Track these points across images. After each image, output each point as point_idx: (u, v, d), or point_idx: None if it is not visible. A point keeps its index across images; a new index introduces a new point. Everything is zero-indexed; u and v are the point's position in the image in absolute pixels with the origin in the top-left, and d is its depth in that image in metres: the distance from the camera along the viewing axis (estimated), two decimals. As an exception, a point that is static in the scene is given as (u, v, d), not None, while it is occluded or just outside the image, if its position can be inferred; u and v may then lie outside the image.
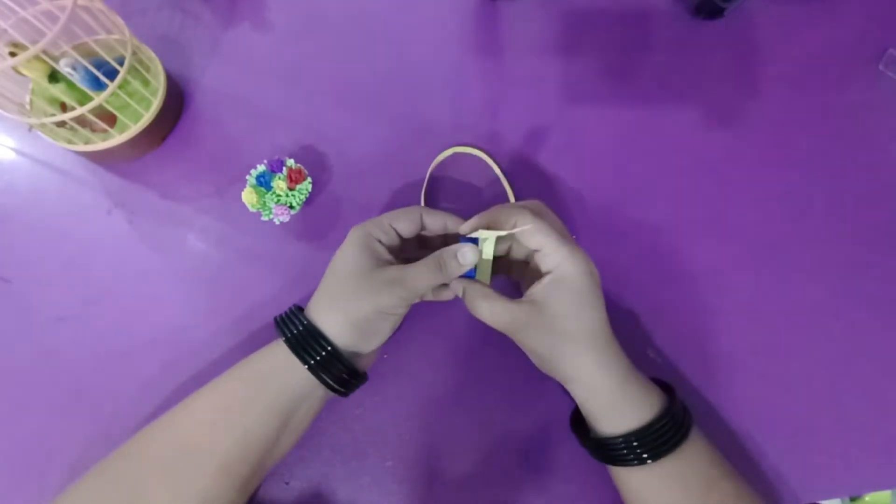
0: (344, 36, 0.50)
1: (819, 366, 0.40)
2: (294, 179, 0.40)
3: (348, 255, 0.33)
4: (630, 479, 0.34)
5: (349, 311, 0.32)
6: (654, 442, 0.31)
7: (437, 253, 0.33)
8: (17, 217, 0.44)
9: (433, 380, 0.40)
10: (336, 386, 0.33)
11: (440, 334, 0.41)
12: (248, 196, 0.40)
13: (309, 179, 0.41)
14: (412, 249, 0.37)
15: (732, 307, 0.42)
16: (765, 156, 0.46)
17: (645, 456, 0.31)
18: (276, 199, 0.40)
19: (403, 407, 0.39)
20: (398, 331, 0.40)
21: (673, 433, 0.32)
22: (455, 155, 0.45)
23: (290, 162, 0.41)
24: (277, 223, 0.41)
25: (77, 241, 0.43)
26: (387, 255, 0.34)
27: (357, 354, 0.34)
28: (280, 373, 0.32)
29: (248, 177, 0.40)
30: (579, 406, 0.35)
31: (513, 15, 0.51)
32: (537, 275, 0.34)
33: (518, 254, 0.36)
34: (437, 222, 0.35)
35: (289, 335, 0.32)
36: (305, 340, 0.32)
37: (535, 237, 0.33)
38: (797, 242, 0.44)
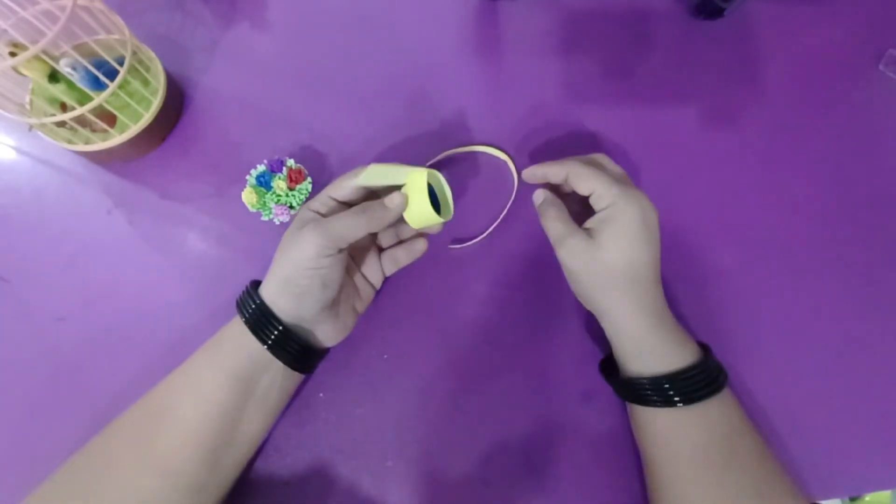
0: (344, 36, 0.50)
1: (819, 366, 0.40)
2: (294, 179, 0.40)
3: (287, 230, 0.35)
4: (656, 419, 0.34)
5: (276, 272, 0.33)
6: (687, 388, 0.32)
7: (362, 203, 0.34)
8: (17, 217, 0.44)
9: (433, 380, 0.40)
10: (292, 363, 0.33)
11: (440, 334, 0.41)
12: (248, 196, 0.40)
13: (309, 179, 0.41)
14: (389, 235, 0.39)
15: (731, 307, 0.42)
16: (764, 156, 0.46)
17: (676, 399, 0.32)
18: (276, 199, 0.40)
19: (403, 407, 0.39)
20: (398, 331, 0.40)
21: (706, 383, 0.32)
22: (455, 155, 0.45)
23: (290, 162, 0.41)
24: (277, 223, 0.41)
25: (77, 241, 0.43)
26: (318, 218, 0.34)
27: (308, 331, 0.34)
28: (235, 338, 0.33)
29: (248, 177, 0.40)
30: (611, 342, 0.35)
31: (513, 15, 0.51)
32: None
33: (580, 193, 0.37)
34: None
35: (246, 315, 0.33)
36: (259, 318, 0.33)
37: (587, 181, 0.34)
38: (797, 242, 0.44)
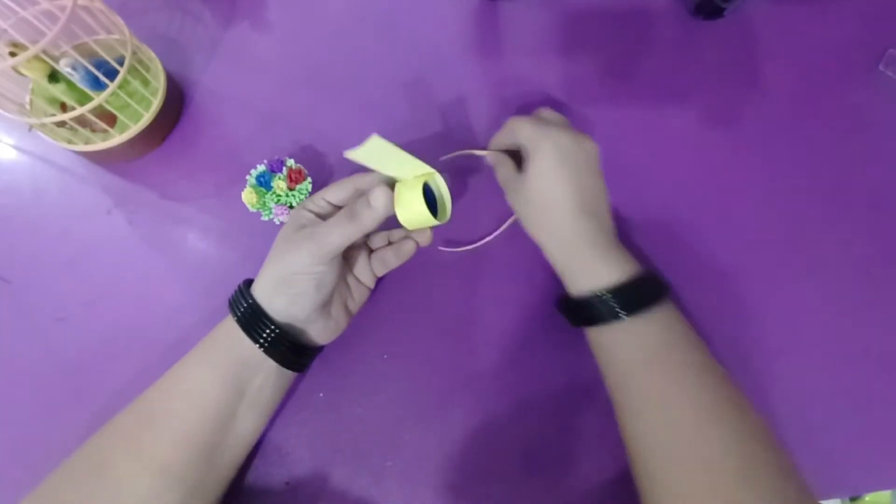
0: (343, 36, 0.50)
1: (818, 366, 0.40)
2: (294, 179, 0.40)
3: (282, 228, 0.35)
4: (602, 337, 0.35)
5: (268, 273, 0.33)
6: (629, 297, 0.33)
7: (350, 204, 0.33)
8: (17, 217, 0.44)
9: (433, 380, 0.40)
10: (283, 361, 0.33)
11: (440, 335, 0.41)
12: (248, 196, 0.40)
13: (309, 179, 0.41)
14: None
15: (731, 307, 0.42)
16: (764, 155, 0.46)
17: (618, 310, 0.33)
18: (276, 199, 0.40)
19: (403, 407, 0.39)
20: (397, 331, 0.40)
21: (648, 292, 0.34)
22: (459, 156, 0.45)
23: (290, 162, 0.41)
24: (277, 223, 0.41)
25: (77, 241, 0.43)
26: (313, 221, 0.34)
27: (301, 329, 0.34)
28: (227, 337, 0.33)
29: (248, 177, 0.40)
30: (553, 266, 0.37)
31: (513, 15, 0.51)
32: None
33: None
34: (371, 181, 0.34)
35: (238, 314, 0.33)
36: (251, 318, 0.33)
37: (515, 131, 0.37)
38: (797, 241, 0.44)
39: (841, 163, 0.46)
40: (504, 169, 0.39)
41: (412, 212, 0.33)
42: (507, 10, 0.51)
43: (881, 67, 0.49)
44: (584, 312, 0.36)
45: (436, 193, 0.36)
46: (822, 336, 0.41)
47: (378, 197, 0.32)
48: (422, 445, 0.38)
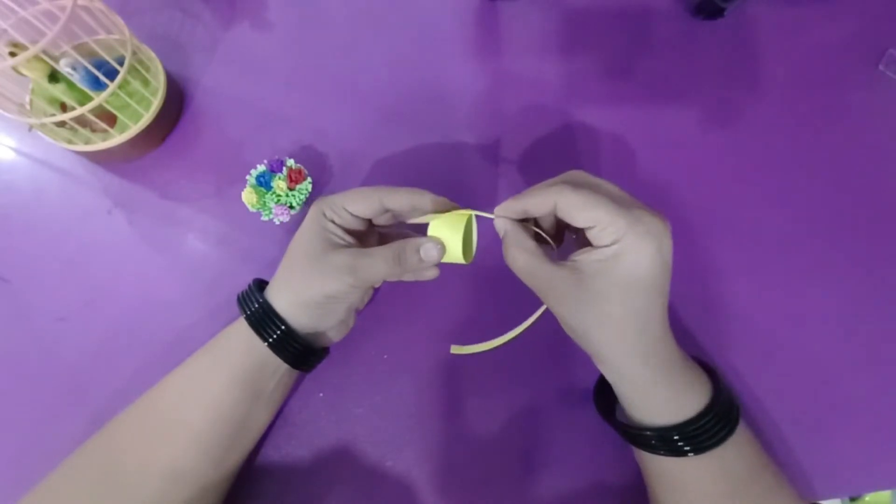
0: (343, 36, 0.50)
1: (818, 366, 0.40)
2: (294, 179, 0.40)
3: (303, 235, 0.33)
4: (664, 465, 0.31)
5: (299, 293, 0.32)
6: (697, 438, 0.29)
7: (398, 243, 0.32)
8: (17, 217, 0.44)
9: (433, 380, 0.40)
10: (294, 362, 0.33)
11: (440, 334, 0.41)
12: (248, 196, 0.40)
13: (309, 179, 0.41)
14: (374, 241, 0.37)
15: (731, 308, 0.42)
16: (764, 156, 0.46)
17: (687, 449, 0.29)
18: (276, 199, 0.40)
19: (403, 407, 0.39)
20: (397, 331, 0.40)
21: (718, 429, 0.29)
22: (457, 154, 0.45)
23: (290, 162, 0.41)
24: (277, 223, 0.41)
25: (77, 241, 0.43)
26: (341, 239, 0.33)
27: (316, 333, 0.34)
28: (243, 346, 0.33)
29: (248, 177, 0.40)
30: (611, 384, 0.31)
31: (513, 15, 0.51)
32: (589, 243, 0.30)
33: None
34: (400, 202, 0.32)
35: (248, 312, 0.33)
36: (262, 319, 0.32)
37: (584, 211, 0.27)
38: (797, 242, 0.44)
39: (840, 162, 0.46)
40: (537, 263, 0.29)
41: (447, 248, 0.32)
42: (507, 10, 0.51)
43: (881, 67, 0.49)
44: (640, 441, 0.31)
45: (465, 232, 0.34)
46: (821, 336, 0.41)
47: (431, 253, 0.31)
48: (422, 445, 0.38)
